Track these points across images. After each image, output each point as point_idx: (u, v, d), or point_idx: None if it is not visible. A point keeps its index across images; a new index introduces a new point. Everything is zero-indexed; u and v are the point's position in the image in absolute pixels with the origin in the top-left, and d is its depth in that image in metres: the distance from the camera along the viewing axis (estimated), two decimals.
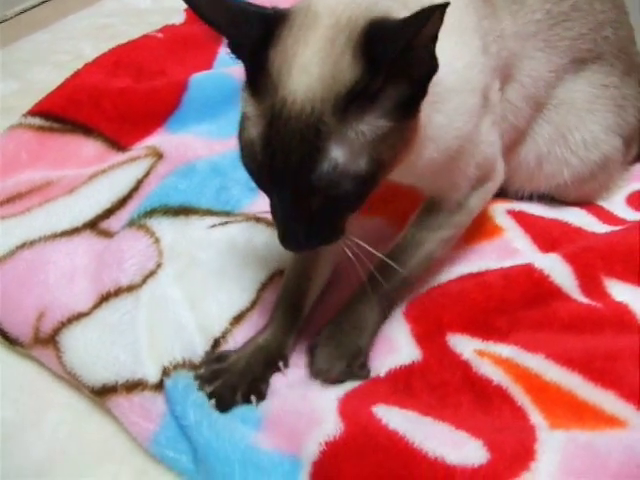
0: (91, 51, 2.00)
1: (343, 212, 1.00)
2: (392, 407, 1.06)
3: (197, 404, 1.07)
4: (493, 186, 1.27)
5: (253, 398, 1.11)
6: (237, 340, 1.19)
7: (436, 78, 0.99)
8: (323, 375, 1.13)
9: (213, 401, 1.09)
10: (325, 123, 0.93)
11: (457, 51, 1.10)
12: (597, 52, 1.39)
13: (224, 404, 1.10)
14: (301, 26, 0.98)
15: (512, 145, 1.36)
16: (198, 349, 1.17)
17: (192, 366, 1.14)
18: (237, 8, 1.00)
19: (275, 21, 0.99)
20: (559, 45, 1.33)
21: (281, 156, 0.94)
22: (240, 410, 1.09)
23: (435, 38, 0.92)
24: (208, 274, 1.27)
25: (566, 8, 1.34)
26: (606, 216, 1.45)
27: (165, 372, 1.12)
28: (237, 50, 1.00)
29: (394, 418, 1.03)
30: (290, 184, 0.96)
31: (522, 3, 1.28)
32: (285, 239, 1.01)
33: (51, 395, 1.20)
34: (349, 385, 1.12)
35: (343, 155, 0.93)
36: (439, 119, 1.07)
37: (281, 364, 1.16)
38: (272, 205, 1.00)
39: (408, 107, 0.97)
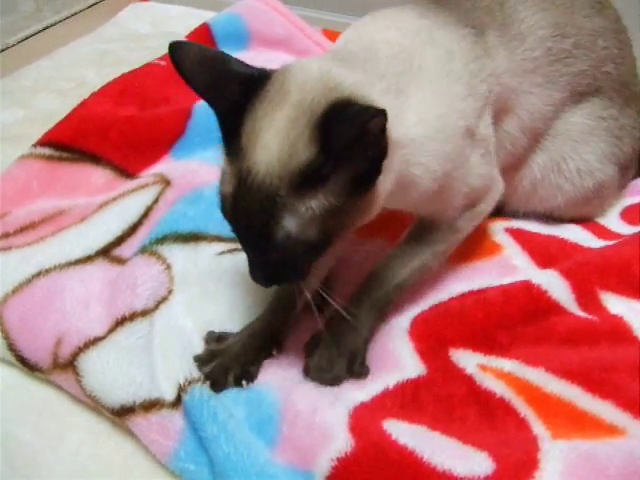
0: (94, 77, 2.03)
1: (299, 264, 1.07)
2: (401, 422, 1.09)
3: (213, 417, 1.09)
4: (486, 207, 1.31)
5: (244, 382, 1.17)
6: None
7: (406, 139, 1.09)
8: (324, 374, 1.17)
9: (208, 382, 1.15)
10: (280, 197, 1.00)
11: (432, 103, 1.15)
12: (596, 86, 1.41)
13: (217, 385, 1.16)
14: (271, 100, 1.04)
15: (509, 169, 1.39)
16: None
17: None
18: (220, 70, 1.07)
19: (253, 87, 1.06)
20: (559, 81, 1.36)
21: (244, 218, 1.04)
22: (255, 425, 1.11)
23: (384, 130, 0.99)
24: (218, 306, 1.30)
25: (568, 46, 1.36)
26: (601, 231, 1.48)
27: (182, 388, 1.14)
28: (215, 110, 1.07)
29: (403, 433, 1.06)
30: (252, 240, 1.05)
31: (522, 40, 1.31)
32: (252, 275, 1.09)
33: (70, 418, 1.22)
34: (359, 398, 1.15)
35: (295, 226, 1.01)
36: (414, 170, 1.14)
37: (274, 350, 1.23)
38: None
39: (362, 183, 1.03)
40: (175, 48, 1.06)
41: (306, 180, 1.00)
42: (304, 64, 1.11)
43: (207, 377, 1.16)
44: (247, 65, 1.10)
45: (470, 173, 1.22)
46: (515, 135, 1.34)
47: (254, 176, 1.01)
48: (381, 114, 0.96)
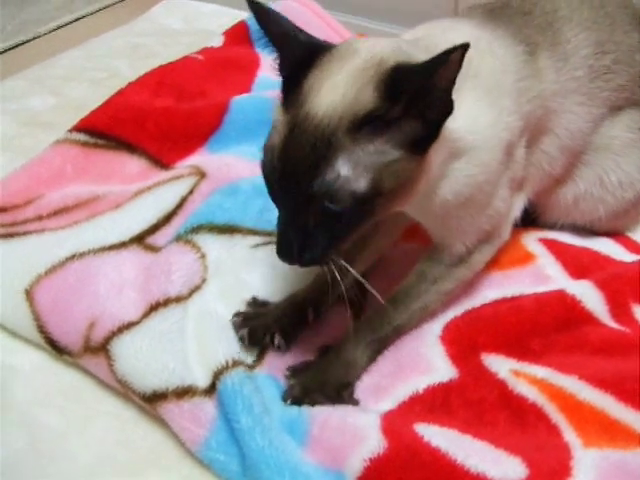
0: (127, 69, 2.07)
1: (337, 232, 1.04)
2: (432, 425, 1.09)
3: (249, 409, 1.09)
4: (498, 243, 1.30)
5: (280, 342, 1.22)
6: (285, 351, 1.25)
7: (457, 134, 1.10)
8: (299, 401, 1.15)
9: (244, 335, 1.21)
10: (337, 138, 1.00)
11: (483, 110, 1.15)
12: (634, 99, 1.41)
13: (254, 341, 1.21)
14: (340, 57, 1.06)
15: (549, 188, 1.39)
16: (247, 352, 1.21)
17: (243, 365, 1.17)
18: (291, 29, 1.09)
19: (320, 49, 1.07)
20: (599, 97, 1.35)
21: (293, 161, 1.01)
22: (286, 424, 1.10)
23: (453, 81, 0.98)
24: (251, 295, 1.30)
25: (608, 62, 1.36)
26: (633, 245, 1.48)
27: (216, 376, 1.14)
28: (281, 63, 1.08)
29: (436, 436, 1.06)
30: (295, 189, 1.02)
31: (566, 60, 1.31)
32: (281, 250, 1.06)
33: (97, 403, 1.22)
34: (390, 404, 1.15)
35: (347, 170, 0.99)
36: (455, 165, 1.14)
37: (311, 318, 1.26)
38: (278, 217, 1.06)
39: (419, 145, 1.03)
40: (255, 3, 1.07)
41: (366, 125, 0.99)
42: (370, 39, 1.13)
43: (248, 331, 1.21)
44: (312, 36, 1.11)
45: (496, 193, 1.22)
46: (553, 155, 1.34)
47: (312, 118, 1.01)
48: (460, 52, 0.94)
